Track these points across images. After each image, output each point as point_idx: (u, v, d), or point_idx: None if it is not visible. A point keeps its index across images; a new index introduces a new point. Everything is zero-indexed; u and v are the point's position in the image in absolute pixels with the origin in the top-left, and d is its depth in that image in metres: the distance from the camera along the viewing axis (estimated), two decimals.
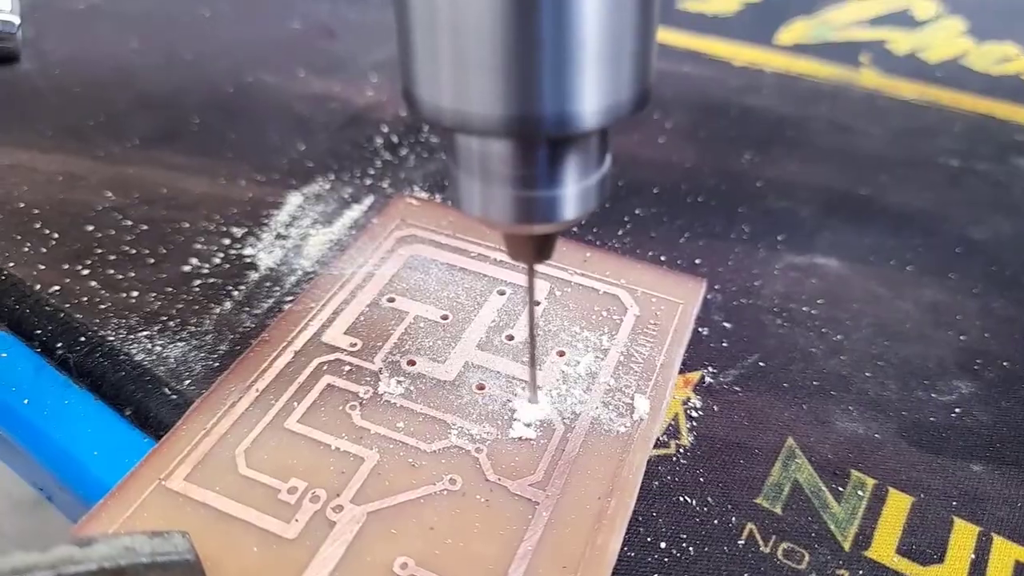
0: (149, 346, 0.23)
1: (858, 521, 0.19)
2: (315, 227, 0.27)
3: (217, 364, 0.22)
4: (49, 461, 0.21)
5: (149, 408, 0.21)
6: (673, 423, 0.21)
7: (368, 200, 0.28)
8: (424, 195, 0.28)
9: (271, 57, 0.36)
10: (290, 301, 0.24)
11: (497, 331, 0.22)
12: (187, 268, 0.25)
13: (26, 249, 0.25)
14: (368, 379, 0.21)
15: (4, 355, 0.23)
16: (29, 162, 0.29)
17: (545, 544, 0.17)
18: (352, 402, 0.20)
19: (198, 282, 0.25)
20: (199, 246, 0.26)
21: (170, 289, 0.24)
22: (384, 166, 0.30)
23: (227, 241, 0.26)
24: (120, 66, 0.35)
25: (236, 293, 0.24)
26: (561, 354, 0.22)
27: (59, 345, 0.22)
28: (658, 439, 0.21)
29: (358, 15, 0.40)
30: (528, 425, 0.20)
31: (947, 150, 0.33)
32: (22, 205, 0.27)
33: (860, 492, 0.20)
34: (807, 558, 0.19)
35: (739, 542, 0.19)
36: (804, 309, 0.25)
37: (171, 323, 0.23)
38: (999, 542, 0.19)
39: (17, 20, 0.35)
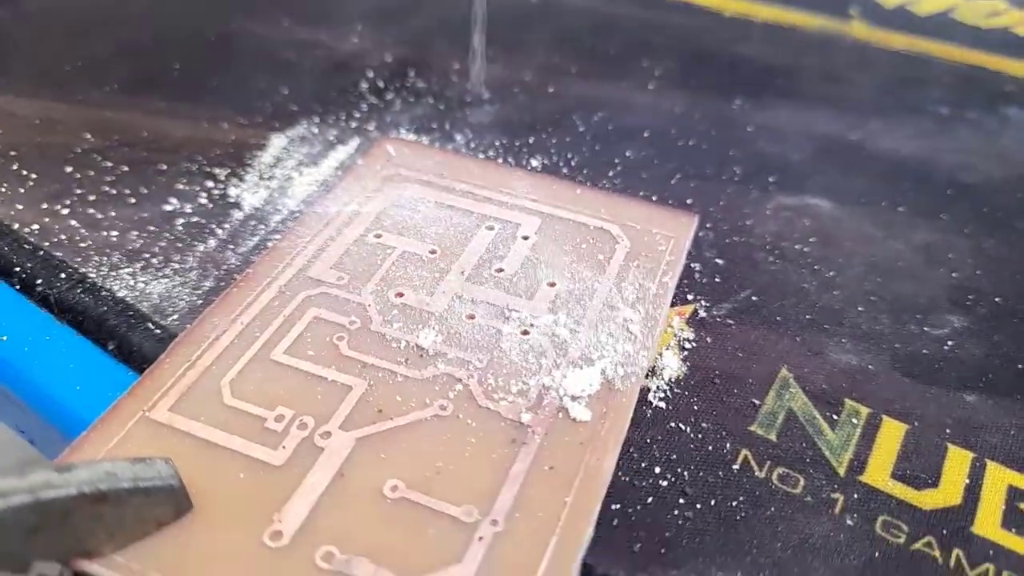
0: (132, 283, 0.22)
1: (852, 448, 0.19)
2: (300, 168, 0.26)
3: (201, 300, 0.22)
4: (31, 399, 0.21)
5: (132, 342, 0.20)
6: (664, 351, 0.21)
7: (354, 142, 0.28)
8: (411, 137, 0.28)
9: (256, 5, 0.35)
10: (275, 239, 0.23)
11: (487, 264, 0.22)
12: (169, 208, 0.25)
13: (3, 189, 0.25)
14: (355, 311, 0.21)
15: None
16: (5, 106, 0.28)
17: (538, 465, 0.17)
18: (339, 333, 0.20)
19: (181, 221, 0.24)
20: (181, 186, 0.25)
21: (152, 228, 0.24)
22: (370, 110, 0.29)
23: (210, 183, 0.26)
24: (99, 13, 0.34)
25: (220, 232, 0.24)
26: (552, 285, 0.22)
27: (39, 282, 0.22)
28: (652, 368, 0.20)
29: None
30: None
31: (937, 99, 0.33)
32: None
33: (854, 420, 0.20)
34: (802, 482, 0.19)
35: (734, 467, 0.19)
36: (796, 247, 0.25)
37: (154, 260, 0.23)
38: (992, 467, 0.19)
39: None
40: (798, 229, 0.25)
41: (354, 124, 0.29)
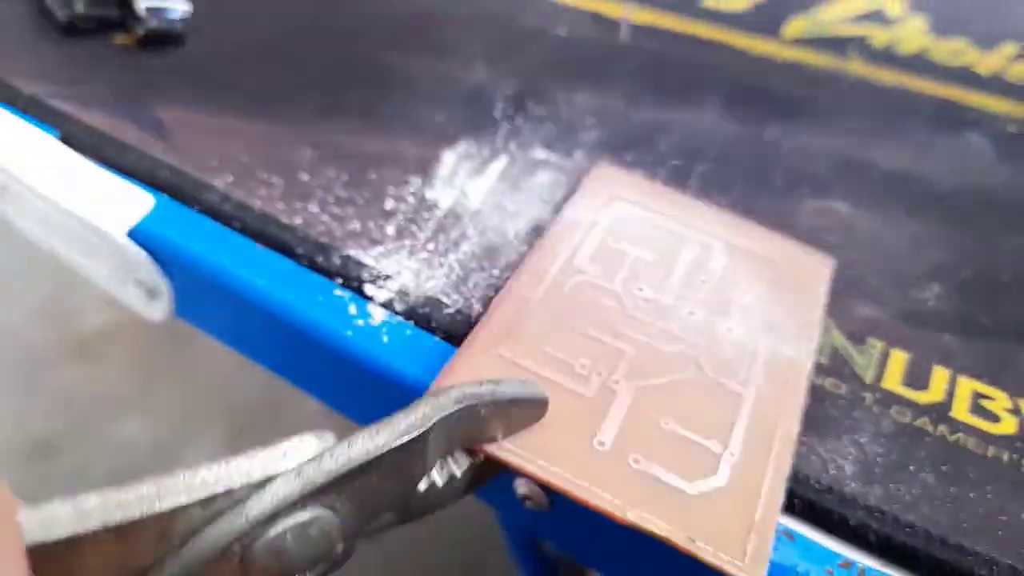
0: (407, 266, 0.32)
1: (874, 367, 0.30)
2: (471, 178, 0.36)
3: (469, 278, 0.32)
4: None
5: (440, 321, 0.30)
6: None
7: (504, 158, 0.38)
8: (544, 155, 0.38)
9: (394, 38, 0.45)
10: (486, 231, 0.34)
11: (698, 271, 0.32)
12: (388, 207, 0.34)
13: (262, 192, 0.34)
14: (613, 297, 0.30)
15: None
16: (230, 124, 0.38)
17: (754, 410, 0.27)
18: (608, 311, 0.30)
19: (401, 217, 0.34)
20: (392, 190, 0.35)
21: (384, 222, 0.34)
22: (507, 132, 0.39)
23: (412, 188, 0.35)
24: (271, 48, 0.43)
25: (427, 227, 0.34)
26: (741, 294, 0.31)
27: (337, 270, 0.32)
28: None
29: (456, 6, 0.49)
30: None
31: (918, 125, 0.44)
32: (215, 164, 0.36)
33: (872, 350, 0.31)
34: (844, 388, 0.29)
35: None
36: (826, 239, 0.36)
37: (408, 247, 0.33)
38: (961, 380, 0.30)
39: (185, 7, 0.43)
40: (826, 226, 0.36)
41: (499, 143, 0.39)
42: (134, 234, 0.32)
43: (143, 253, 0.32)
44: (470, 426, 0.24)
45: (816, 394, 0.29)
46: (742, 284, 0.32)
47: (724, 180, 0.38)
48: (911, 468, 0.27)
